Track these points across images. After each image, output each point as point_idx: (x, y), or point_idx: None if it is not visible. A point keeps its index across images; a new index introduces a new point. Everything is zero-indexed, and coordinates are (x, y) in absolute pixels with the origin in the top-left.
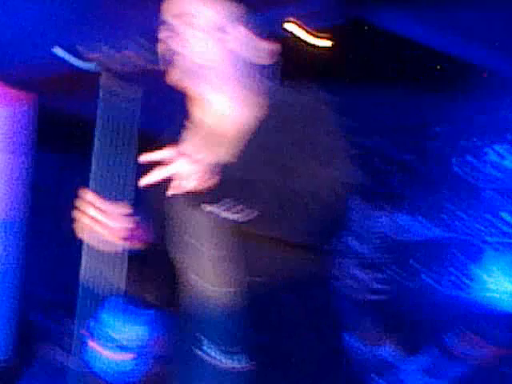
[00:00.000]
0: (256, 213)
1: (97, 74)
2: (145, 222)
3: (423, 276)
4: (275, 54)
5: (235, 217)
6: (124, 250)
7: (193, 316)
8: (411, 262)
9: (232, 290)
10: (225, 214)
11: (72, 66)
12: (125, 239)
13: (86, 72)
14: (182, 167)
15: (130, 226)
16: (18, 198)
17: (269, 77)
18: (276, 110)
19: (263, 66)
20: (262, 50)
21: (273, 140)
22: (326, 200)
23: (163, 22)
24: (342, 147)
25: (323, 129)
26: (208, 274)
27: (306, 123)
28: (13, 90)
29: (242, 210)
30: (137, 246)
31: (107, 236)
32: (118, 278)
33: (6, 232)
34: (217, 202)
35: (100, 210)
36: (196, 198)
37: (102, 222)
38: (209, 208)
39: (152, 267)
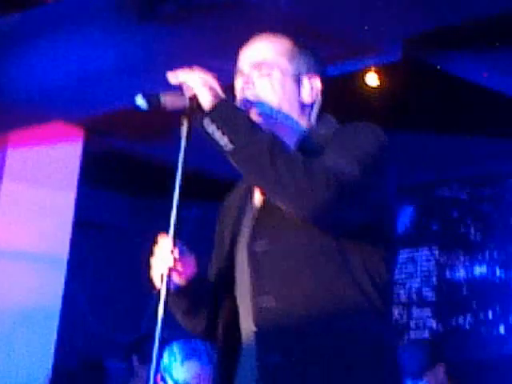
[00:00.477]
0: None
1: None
2: (190, 257)
3: (497, 326)
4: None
5: (222, 141)
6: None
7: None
8: (487, 312)
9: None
10: (215, 134)
11: (150, 111)
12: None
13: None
14: (194, 75)
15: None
16: (63, 235)
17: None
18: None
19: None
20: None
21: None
22: (315, 174)
23: (239, 71)
24: (357, 151)
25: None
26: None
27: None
28: (63, 127)
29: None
30: (182, 281)
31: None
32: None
33: (48, 267)
34: (209, 117)
35: (176, 258)
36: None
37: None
38: (204, 123)
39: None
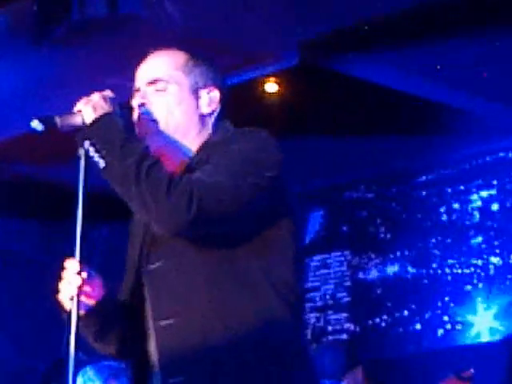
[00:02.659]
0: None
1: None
2: (97, 279)
3: (413, 323)
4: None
5: (96, 158)
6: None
7: None
8: (402, 310)
9: None
10: (90, 151)
11: (48, 133)
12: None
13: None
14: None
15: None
16: None
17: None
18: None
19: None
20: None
21: None
22: (178, 194)
23: (136, 89)
24: (236, 166)
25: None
26: None
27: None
28: None
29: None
30: (90, 302)
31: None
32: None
33: None
34: (85, 133)
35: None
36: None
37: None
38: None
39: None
